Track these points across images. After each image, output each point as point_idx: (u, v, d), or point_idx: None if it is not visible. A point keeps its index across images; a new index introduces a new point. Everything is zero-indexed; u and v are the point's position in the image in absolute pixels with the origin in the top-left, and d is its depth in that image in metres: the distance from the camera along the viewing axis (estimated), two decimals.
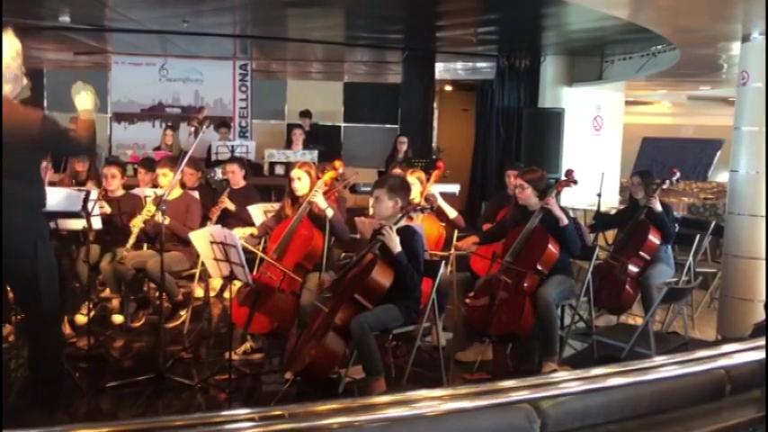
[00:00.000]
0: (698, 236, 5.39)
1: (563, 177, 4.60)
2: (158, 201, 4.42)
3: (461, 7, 7.23)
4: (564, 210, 4.31)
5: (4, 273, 3.14)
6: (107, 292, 5.39)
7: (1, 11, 5.92)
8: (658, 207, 5.01)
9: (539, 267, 4.18)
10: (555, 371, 3.87)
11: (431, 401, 2.05)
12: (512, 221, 4.50)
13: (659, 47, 7.77)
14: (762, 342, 2.21)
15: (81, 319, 4.82)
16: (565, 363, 4.26)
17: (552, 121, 9.06)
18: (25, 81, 3.26)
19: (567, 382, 2.10)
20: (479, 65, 10.82)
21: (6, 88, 3.13)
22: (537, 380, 2.13)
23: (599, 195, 6.76)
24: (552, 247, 4.21)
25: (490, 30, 8.47)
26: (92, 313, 4.59)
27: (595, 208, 6.72)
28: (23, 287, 3.23)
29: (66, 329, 4.58)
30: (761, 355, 2.14)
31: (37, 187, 3.23)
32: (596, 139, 9.78)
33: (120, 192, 5.33)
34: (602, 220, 6.05)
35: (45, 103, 11.02)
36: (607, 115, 9.88)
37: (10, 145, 3.07)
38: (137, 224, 4.86)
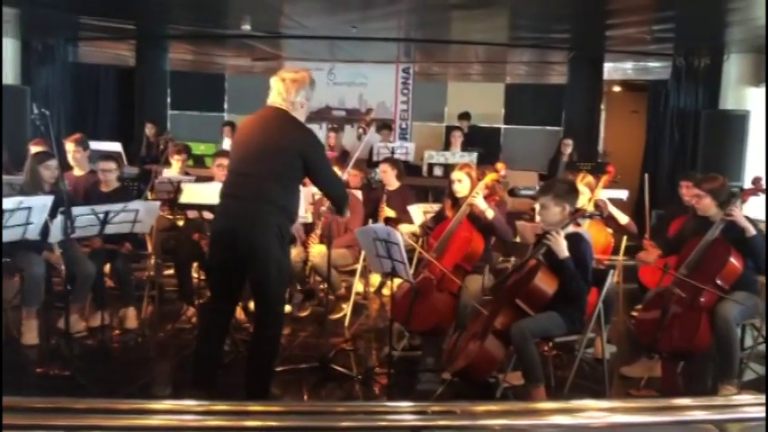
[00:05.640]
0: None
1: (748, 185, 4.22)
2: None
3: (635, 5, 6.86)
4: (750, 221, 3.94)
5: (242, 261, 3.44)
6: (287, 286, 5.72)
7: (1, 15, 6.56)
8: None
9: (718, 282, 3.86)
10: (735, 394, 3.56)
11: (597, 412, 1.97)
12: (690, 232, 4.20)
13: None
14: None
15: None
16: (745, 387, 3.90)
17: (735, 124, 8.34)
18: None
19: (752, 406, 1.94)
20: (651, 64, 10.22)
21: (284, 99, 3.50)
22: (717, 401, 1.99)
23: None
24: (735, 261, 3.87)
25: (666, 27, 7.96)
26: None
27: None
28: (254, 278, 3.52)
29: (241, 315, 4.93)
30: None
31: (290, 192, 3.52)
32: None
33: None
34: None
35: (225, 106, 11.96)
36: None
37: (280, 151, 3.42)
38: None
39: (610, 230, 4.86)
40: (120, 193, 5.04)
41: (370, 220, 5.70)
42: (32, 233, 4.06)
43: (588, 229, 4.18)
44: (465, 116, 10.39)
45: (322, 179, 3.64)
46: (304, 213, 4.95)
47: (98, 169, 5.18)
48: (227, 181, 3.60)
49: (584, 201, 4.61)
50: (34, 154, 5.01)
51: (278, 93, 3.52)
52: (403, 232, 4.76)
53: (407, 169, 6.99)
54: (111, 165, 5.18)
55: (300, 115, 3.56)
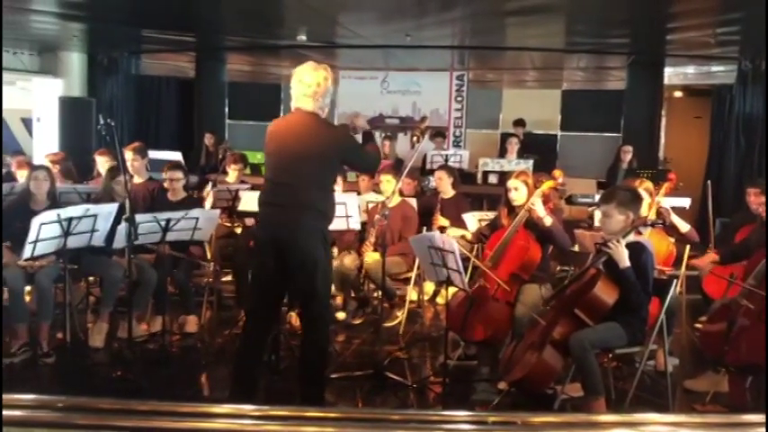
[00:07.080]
0: None
1: None
2: (382, 207, 4.65)
3: (698, 7, 6.67)
4: None
5: (289, 268, 3.47)
6: (331, 290, 5.77)
7: (1, 22, 6.71)
8: None
9: None
10: None
11: (662, 427, 1.90)
12: (757, 241, 4.03)
13: None
14: None
15: None
16: None
17: None
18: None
19: None
20: (715, 68, 9.91)
21: (315, 105, 3.54)
22: None
23: None
24: None
25: (731, 30, 7.70)
26: None
27: None
28: (301, 283, 3.54)
29: (295, 322, 4.97)
30: None
31: (328, 196, 3.59)
32: None
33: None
34: None
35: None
36: None
37: (317, 157, 3.46)
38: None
39: (672, 239, 4.71)
40: (188, 203, 5.12)
41: (425, 228, 5.68)
42: (98, 240, 4.21)
43: (649, 237, 4.06)
44: (520, 123, 10.29)
45: (359, 165, 3.92)
46: (358, 222, 4.99)
47: (166, 178, 5.32)
48: (266, 190, 3.62)
49: (643, 207, 4.47)
50: (108, 170, 5.15)
51: (303, 96, 3.53)
52: (453, 236, 4.73)
53: (461, 177, 6.95)
54: (179, 174, 5.30)
55: (324, 113, 3.63)
